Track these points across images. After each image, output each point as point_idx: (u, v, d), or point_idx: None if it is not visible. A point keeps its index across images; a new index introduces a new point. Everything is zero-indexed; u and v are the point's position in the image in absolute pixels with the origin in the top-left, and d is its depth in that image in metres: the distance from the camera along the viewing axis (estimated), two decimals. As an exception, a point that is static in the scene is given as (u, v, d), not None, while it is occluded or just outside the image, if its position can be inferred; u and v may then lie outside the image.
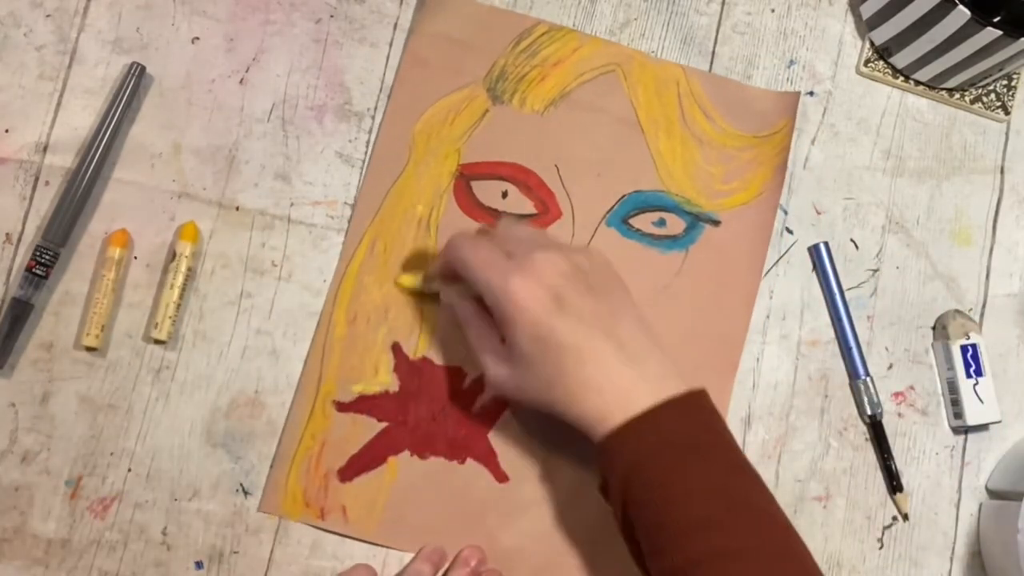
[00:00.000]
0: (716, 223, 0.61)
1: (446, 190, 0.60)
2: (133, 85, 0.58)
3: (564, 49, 0.62)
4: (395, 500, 0.57)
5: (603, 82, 0.62)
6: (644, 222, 0.61)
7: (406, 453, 0.58)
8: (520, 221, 0.59)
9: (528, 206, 0.60)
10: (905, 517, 0.60)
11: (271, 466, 0.57)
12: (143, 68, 0.59)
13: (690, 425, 0.50)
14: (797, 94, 0.63)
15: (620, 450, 0.49)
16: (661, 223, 0.61)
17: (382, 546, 0.57)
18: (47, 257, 0.56)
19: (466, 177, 0.60)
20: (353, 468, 0.57)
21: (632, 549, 0.51)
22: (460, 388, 0.59)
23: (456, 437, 0.58)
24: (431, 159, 0.60)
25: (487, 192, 0.60)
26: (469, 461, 0.58)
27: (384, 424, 0.58)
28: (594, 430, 0.50)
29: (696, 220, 0.61)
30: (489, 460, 0.58)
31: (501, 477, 0.58)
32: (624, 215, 0.61)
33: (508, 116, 0.61)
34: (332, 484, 0.57)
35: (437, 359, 0.59)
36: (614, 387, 0.50)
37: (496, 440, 0.58)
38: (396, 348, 0.59)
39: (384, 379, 0.58)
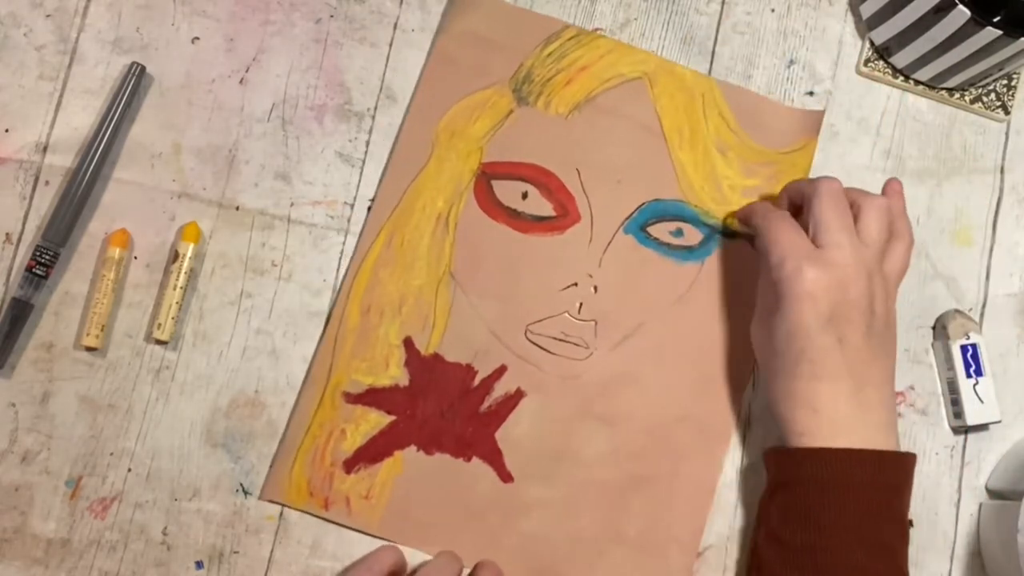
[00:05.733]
0: (733, 236, 0.61)
1: (467, 188, 0.60)
2: (133, 85, 0.58)
3: (591, 54, 0.62)
4: (399, 494, 0.57)
5: (629, 89, 0.62)
6: (662, 231, 0.61)
7: (412, 448, 0.58)
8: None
9: (547, 208, 0.60)
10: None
11: (275, 455, 0.57)
12: (143, 68, 0.59)
13: (881, 483, 0.52)
14: (821, 113, 0.63)
15: (803, 467, 0.52)
16: (679, 233, 0.61)
17: (384, 540, 0.57)
18: (47, 257, 0.56)
19: (487, 176, 0.60)
20: (359, 460, 0.57)
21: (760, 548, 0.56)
22: (470, 386, 0.59)
23: (463, 435, 0.58)
24: (453, 156, 0.60)
25: (507, 192, 0.60)
26: (475, 460, 0.58)
27: (392, 418, 0.58)
28: (789, 438, 0.53)
29: (713, 232, 0.61)
30: (495, 459, 0.58)
31: (506, 477, 0.58)
32: (642, 223, 0.61)
33: (532, 118, 0.61)
34: (337, 475, 0.57)
35: (448, 356, 0.59)
36: (831, 415, 0.52)
37: (502, 440, 0.58)
38: (408, 343, 0.59)
39: (395, 373, 0.58)
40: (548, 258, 0.60)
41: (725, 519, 0.60)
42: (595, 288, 0.60)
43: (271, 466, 0.57)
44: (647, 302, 0.60)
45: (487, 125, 0.61)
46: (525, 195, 0.60)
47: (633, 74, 0.62)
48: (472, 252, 0.60)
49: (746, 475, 0.60)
